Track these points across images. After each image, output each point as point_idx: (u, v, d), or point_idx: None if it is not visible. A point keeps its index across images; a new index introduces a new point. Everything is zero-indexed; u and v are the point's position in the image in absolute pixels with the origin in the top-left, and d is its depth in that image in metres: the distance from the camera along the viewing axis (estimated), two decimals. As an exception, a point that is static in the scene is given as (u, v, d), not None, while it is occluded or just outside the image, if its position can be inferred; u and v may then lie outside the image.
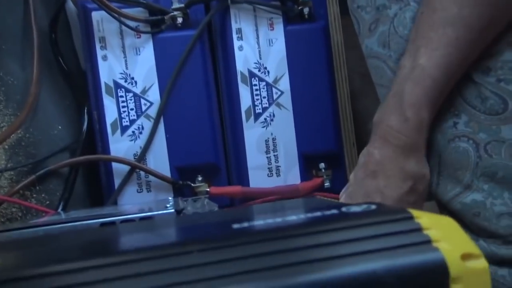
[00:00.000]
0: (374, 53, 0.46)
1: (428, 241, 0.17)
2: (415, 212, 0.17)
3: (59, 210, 0.48)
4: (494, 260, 0.39)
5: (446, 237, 0.17)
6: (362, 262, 0.16)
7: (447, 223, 0.17)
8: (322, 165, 0.58)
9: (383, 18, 0.44)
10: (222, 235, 0.17)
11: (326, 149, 0.58)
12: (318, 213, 0.18)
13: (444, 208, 0.43)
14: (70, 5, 0.59)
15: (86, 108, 0.56)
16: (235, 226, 0.18)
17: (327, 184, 0.58)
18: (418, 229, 0.17)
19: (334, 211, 0.18)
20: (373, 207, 0.18)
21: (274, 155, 0.57)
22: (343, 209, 0.18)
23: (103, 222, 0.30)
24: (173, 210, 0.32)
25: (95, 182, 0.55)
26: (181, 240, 0.19)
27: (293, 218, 0.18)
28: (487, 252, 0.40)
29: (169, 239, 0.20)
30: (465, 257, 0.17)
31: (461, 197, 0.40)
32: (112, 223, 0.30)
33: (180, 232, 0.22)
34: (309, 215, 0.18)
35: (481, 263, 0.17)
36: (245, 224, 0.17)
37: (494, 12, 0.36)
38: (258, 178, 0.57)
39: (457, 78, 0.39)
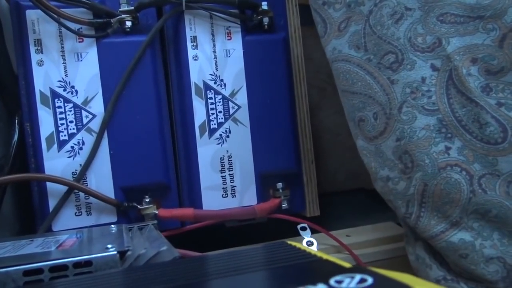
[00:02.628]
0: (343, 56, 0.41)
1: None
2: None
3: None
4: None
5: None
6: None
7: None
8: (279, 184, 0.55)
9: (355, 16, 0.40)
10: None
11: (285, 168, 0.55)
12: (303, 291, 0.14)
13: (423, 240, 0.39)
14: (2, 1, 0.53)
15: (17, 118, 0.49)
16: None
17: (284, 205, 0.55)
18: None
19: (322, 287, 0.14)
20: (370, 281, 0.15)
21: (229, 174, 0.53)
22: (332, 282, 0.15)
23: (27, 269, 0.25)
24: (115, 253, 0.27)
25: (26, 203, 0.49)
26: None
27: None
28: None
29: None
30: None
31: (447, 234, 0.36)
32: (39, 270, 0.25)
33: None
34: (292, 293, 0.14)
35: None
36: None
37: None
38: (212, 199, 0.52)
39: None
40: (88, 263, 0.26)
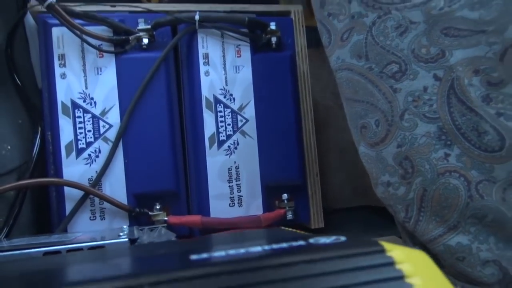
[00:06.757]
0: (346, 64, 0.42)
1: (401, 277, 0.15)
2: (387, 245, 0.16)
3: (1, 237, 0.44)
4: None
5: (419, 272, 0.16)
6: (330, 299, 0.14)
7: (421, 257, 0.16)
8: (285, 196, 0.57)
9: (358, 26, 0.41)
10: (178, 266, 0.15)
11: (290, 180, 0.57)
12: (284, 245, 0.17)
13: (420, 245, 0.40)
14: (30, 20, 0.57)
15: (40, 128, 0.53)
16: (193, 257, 0.16)
17: (289, 216, 0.56)
18: (391, 263, 0.16)
19: (302, 243, 0.17)
20: (343, 239, 0.17)
21: (236, 184, 0.56)
22: (311, 240, 0.17)
23: (47, 251, 0.27)
24: (126, 239, 0.29)
25: (44, 208, 0.52)
26: (131, 272, 0.17)
27: (257, 249, 0.16)
28: None
29: (118, 271, 0.18)
30: (439, 294, 0.15)
31: (445, 238, 0.37)
32: (57, 252, 0.28)
33: (131, 263, 0.20)
34: (275, 246, 0.16)
35: (456, 301, 0.16)
36: (204, 255, 0.16)
37: None
38: (219, 208, 0.55)
39: None
40: (101, 248, 0.29)
